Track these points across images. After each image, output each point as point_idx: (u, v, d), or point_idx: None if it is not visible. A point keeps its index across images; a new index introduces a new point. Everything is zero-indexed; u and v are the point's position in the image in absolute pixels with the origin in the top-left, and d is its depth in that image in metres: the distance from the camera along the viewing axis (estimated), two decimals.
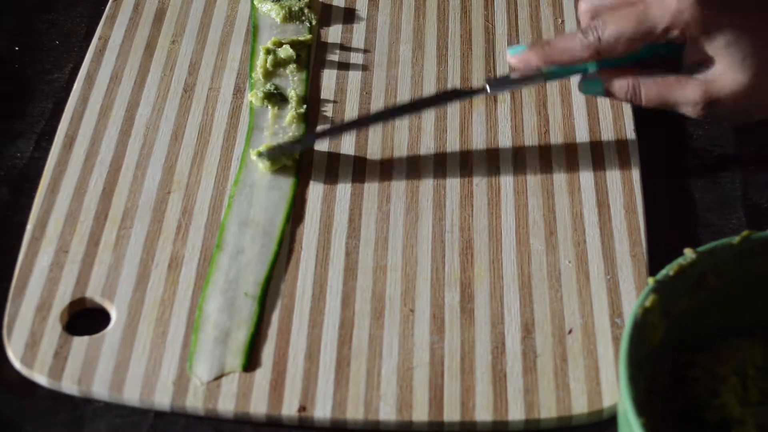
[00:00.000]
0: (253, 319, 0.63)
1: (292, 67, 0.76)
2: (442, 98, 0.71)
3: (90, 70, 0.77)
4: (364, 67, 0.77)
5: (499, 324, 0.62)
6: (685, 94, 0.65)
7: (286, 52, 0.77)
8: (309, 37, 0.79)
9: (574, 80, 0.75)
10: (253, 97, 0.74)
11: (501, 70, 0.77)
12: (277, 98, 0.74)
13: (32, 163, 0.72)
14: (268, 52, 0.77)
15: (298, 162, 0.71)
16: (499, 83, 0.69)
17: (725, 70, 0.64)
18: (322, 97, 0.75)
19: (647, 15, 0.64)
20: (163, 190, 0.69)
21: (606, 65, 0.67)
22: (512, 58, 0.68)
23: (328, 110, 0.74)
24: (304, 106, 0.74)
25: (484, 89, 0.69)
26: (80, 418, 0.60)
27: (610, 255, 0.66)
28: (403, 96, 0.75)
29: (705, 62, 0.65)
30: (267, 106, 0.74)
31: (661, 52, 0.67)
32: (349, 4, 0.82)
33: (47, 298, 0.64)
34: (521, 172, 0.70)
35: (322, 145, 0.72)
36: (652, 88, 0.66)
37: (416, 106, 0.71)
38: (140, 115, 0.74)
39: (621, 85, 0.67)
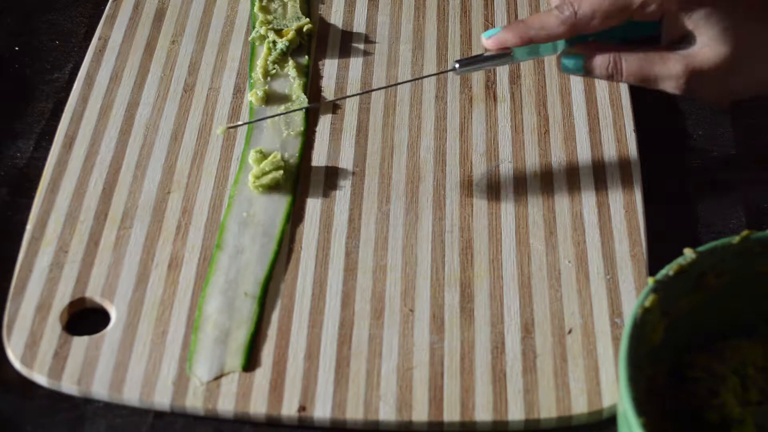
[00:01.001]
0: (253, 319, 0.63)
1: (291, 67, 0.76)
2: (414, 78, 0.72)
3: (90, 70, 0.77)
4: (364, 67, 0.77)
5: (498, 324, 0.62)
6: (667, 68, 0.64)
7: (290, 37, 0.77)
8: (309, 25, 0.79)
9: (575, 84, 0.76)
10: (252, 97, 0.74)
11: (501, 71, 0.76)
12: (277, 98, 0.75)
13: (32, 163, 0.73)
14: (271, 45, 0.77)
15: (298, 163, 0.71)
16: (469, 62, 0.67)
17: (706, 43, 0.63)
18: (322, 97, 0.75)
19: None
20: (163, 190, 0.69)
21: (582, 41, 0.66)
22: (487, 40, 0.66)
23: (328, 109, 0.74)
24: (305, 106, 0.74)
25: (453, 68, 0.67)
26: (80, 418, 0.60)
27: (610, 255, 0.66)
28: (403, 96, 0.75)
29: (684, 37, 0.64)
30: (267, 106, 0.74)
31: (639, 31, 0.66)
32: (349, 4, 0.82)
33: (47, 298, 0.64)
34: (521, 172, 0.70)
35: (322, 145, 0.72)
36: (633, 63, 0.65)
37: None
38: (140, 115, 0.74)
39: (602, 60, 0.65)
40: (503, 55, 0.66)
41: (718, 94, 0.67)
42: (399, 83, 0.74)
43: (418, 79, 0.73)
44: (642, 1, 0.63)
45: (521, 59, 0.67)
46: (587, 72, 0.66)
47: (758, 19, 0.64)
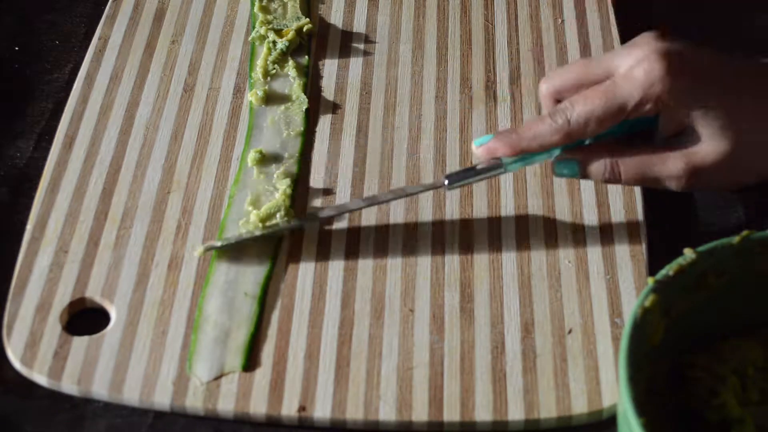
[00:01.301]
0: (253, 319, 0.63)
1: (291, 67, 0.76)
2: (402, 193, 0.67)
3: (90, 70, 0.77)
4: (364, 67, 0.77)
5: (498, 324, 0.62)
6: (667, 168, 0.62)
7: (290, 37, 0.77)
8: (309, 25, 0.79)
9: None
10: (252, 97, 0.74)
11: (501, 71, 0.76)
12: (277, 98, 0.75)
13: (32, 163, 0.72)
14: (271, 45, 0.77)
15: (298, 167, 0.71)
16: (460, 177, 0.65)
17: (705, 140, 0.61)
18: (322, 96, 0.75)
19: (616, 92, 0.61)
20: (163, 190, 0.69)
21: (576, 145, 0.64)
22: (478, 149, 0.64)
23: (328, 109, 0.74)
24: (305, 106, 0.74)
25: (442, 185, 0.65)
26: (80, 418, 0.60)
27: (610, 255, 0.65)
28: (403, 96, 0.75)
29: (683, 132, 0.62)
30: (267, 106, 0.74)
31: (635, 127, 0.64)
32: (349, 4, 0.82)
33: (47, 298, 0.64)
34: (521, 172, 0.70)
35: (322, 145, 0.72)
36: (631, 166, 0.63)
37: (377, 200, 0.67)
38: (140, 115, 0.74)
39: (598, 166, 0.63)
40: (495, 166, 0.64)
41: (721, 186, 0.65)
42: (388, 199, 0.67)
43: (408, 195, 0.67)
44: (637, 102, 0.60)
45: (513, 169, 0.64)
46: (583, 177, 0.64)
47: (764, 113, 0.62)
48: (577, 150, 0.64)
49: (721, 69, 0.62)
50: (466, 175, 0.65)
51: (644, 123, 0.63)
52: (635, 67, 0.61)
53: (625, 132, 0.64)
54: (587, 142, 0.64)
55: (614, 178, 0.63)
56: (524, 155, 0.64)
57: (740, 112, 0.61)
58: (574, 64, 0.64)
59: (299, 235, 0.67)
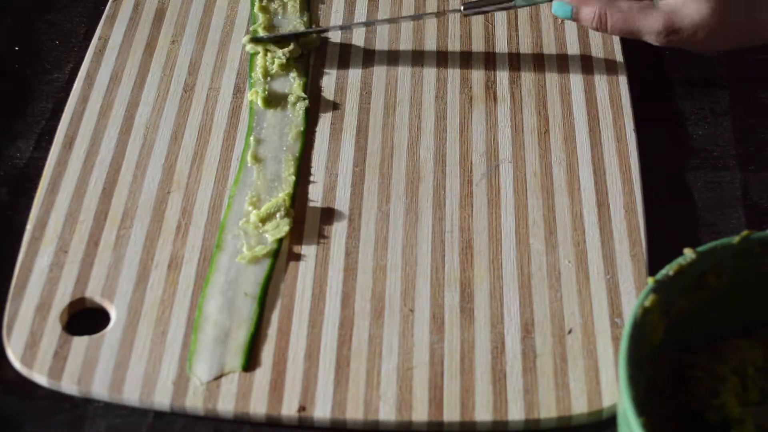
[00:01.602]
0: (253, 319, 0.63)
1: (291, 67, 0.76)
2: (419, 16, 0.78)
3: (90, 70, 0.77)
4: (364, 67, 0.77)
5: (498, 324, 0.62)
6: (649, 23, 0.70)
7: (293, 50, 0.77)
8: (313, 35, 0.79)
9: (575, 84, 0.76)
10: (253, 97, 0.74)
11: (501, 71, 0.77)
12: (277, 98, 0.75)
13: (32, 163, 0.73)
14: (270, 60, 0.77)
15: (299, 160, 0.71)
16: (474, 4, 0.75)
17: (688, 2, 0.68)
18: (322, 96, 0.75)
19: None
20: (163, 190, 0.69)
21: None
22: None
23: (328, 109, 0.74)
24: (305, 106, 0.74)
25: (459, 10, 0.75)
26: (80, 418, 0.60)
27: (610, 255, 0.66)
28: (403, 96, 0.75)
29: None
30: (267, 106, 0.74)
31: None
32: (349, 3, 0.82)
33: (47, 298, 0.64)
34: (521, 172, 0.70)
35: (322, 145, 0.72)
36: (618, 16, 0.71)
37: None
38: (140, 115, 0.74)
39: (589, 12, 0.72)
40: None
41: (695, 46, 0.72)
42: (401, 18, 0.80)
43: (418, 17, 0.79)
44: None
45: (521, 5, 0.74)
46: (575, 20, 0.73)
47: None
48: None
49: None
50: (480, 2, 0.75)
51: None
52: None
53: None
54: None
55: (601, 25, 0.72)
56: None
57: None
58: None
59: (299, 234, 0.67)
